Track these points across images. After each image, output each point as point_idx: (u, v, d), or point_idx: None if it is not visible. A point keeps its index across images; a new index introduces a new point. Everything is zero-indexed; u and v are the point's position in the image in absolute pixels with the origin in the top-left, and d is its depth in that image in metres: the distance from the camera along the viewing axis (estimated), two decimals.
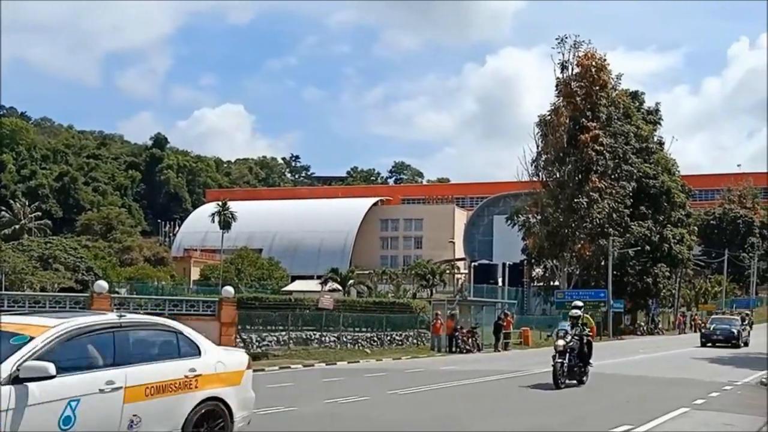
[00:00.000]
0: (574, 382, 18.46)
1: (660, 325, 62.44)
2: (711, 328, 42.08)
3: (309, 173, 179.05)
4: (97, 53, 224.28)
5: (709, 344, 39.52)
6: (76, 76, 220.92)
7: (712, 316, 49.66)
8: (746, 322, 45.73)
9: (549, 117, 54.95)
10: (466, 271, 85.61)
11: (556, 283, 57.85)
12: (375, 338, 34.90)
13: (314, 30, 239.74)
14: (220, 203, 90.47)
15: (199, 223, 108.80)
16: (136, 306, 28.37)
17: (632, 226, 55.47)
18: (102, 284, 28.46)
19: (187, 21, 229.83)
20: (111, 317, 8.51)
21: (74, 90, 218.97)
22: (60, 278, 52.09)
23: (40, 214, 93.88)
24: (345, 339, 33.75)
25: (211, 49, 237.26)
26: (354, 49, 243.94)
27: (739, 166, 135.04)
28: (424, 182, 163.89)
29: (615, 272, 53.96)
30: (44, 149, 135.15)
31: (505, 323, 37.97)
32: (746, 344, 39.84)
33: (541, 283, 61.88)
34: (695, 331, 62.55)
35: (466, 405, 15.27)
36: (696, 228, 69.40)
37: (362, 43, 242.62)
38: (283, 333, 32.08)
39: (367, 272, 75.05)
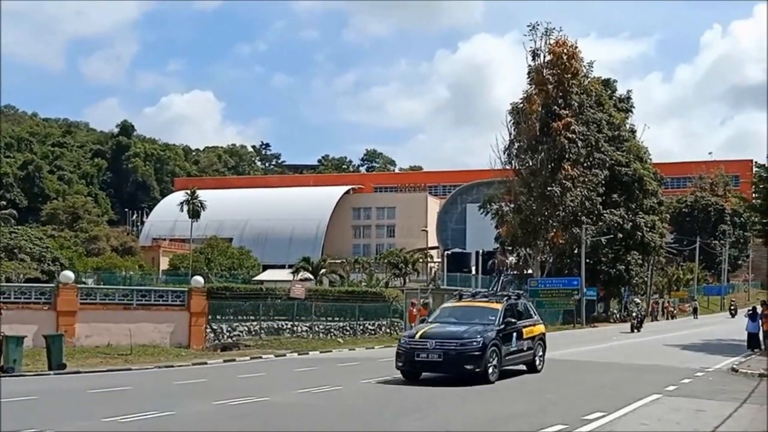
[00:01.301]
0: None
1: (633, 313, 62.94)
2: None
3: (280, 161, 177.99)
4: (62, 39, 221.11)
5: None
6: (40, 63, 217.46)
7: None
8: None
9: (521, 105, 54.91)
10: (440, 260, 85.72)
11: (530, 271, 58.02)
12: (348, 327, 34.74)
13: (282, 15, 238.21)
14: (188, 192, 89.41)
15: (167, 212, 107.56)
16: (102, 296, 27.91)
17: (605, 214, 55.77)
18: (68, 275, 28.02)
19: (154, 6, 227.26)
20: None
21: (38, 76, 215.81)
22: (26, 269, 51.23)
23: (4, 203, 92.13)
24: (317, 328, 33.55)
25: (178, 35, 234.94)
26: (323, 35, 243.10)
27: (710, 153, 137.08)
28: (397, 170, 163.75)
29: (588, 260, 54.26)
30: (8, 137, 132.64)
31: None
32: None
33: (515, 272, 62.03)
34: (668, 319, 63.42)
35: (439, 392, 15.12)
36: (668, 216, 70.09)
37: (331, 28, 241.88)
38: (255, 323, 31.81)
39: (339, 261, 74.72)
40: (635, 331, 42.97)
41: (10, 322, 22.66)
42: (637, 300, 59.42)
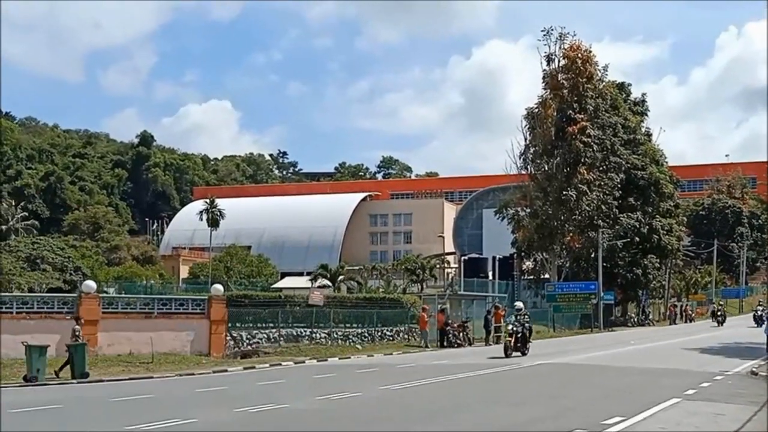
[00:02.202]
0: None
1: (651, 316, 62.61)
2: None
3: (296, 169, 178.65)
4: (80, 51, 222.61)
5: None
6: (59, 75, 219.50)
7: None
8: None
9: (536, 109, 54.93)
10: (456, 266, 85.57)
11: (547, 275, 57.88)
12: (366, 334, 34.81)
13: (295, 24, 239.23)
14: (207, 201, 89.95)
15: (187, 221, 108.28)
16: (124, 305, 28.22)
17: (621, 218, 55.57)
18: (90, 284, 28.31)
19: (170, 17, 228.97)
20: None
21: (58, 89, 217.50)
22: (48, 279, 51.65)
23: (26, 214, 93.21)
24: (336, 335, 33.66)
25: (194, 45, 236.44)
26: (336, 43, 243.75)
27: (727, 156, 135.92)
28: (413, 176, 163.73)
29: (605, 264, 54.06)
30: (29, 149, 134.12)
31: (495, 317, 37.95)
32: None
33: (532, 276, 61.90)
34: (686, 322, 62.82)
35: (457, 399, 15.22)
36: (685, 219, 69.64)
37: (344, 36, 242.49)
38: (274, 330, 31.96)
39: (356, 268, 74.78)
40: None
41: (33, 332, 23.00)
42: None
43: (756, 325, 48.18)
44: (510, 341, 27.08)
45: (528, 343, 28.11)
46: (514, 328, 27.36)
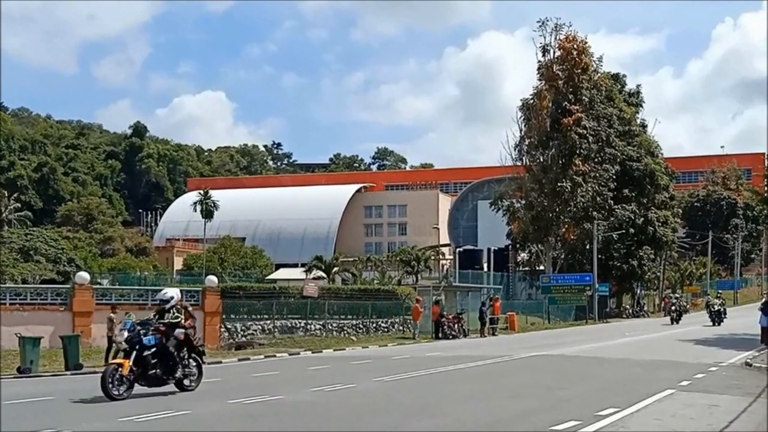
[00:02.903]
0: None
1: (645, 308, 62.76)
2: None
3: (291, 161, 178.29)
4: (74, 42, 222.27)
5: None
6: (52, 66, 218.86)
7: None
8: None
9: (531, 101, 54.93)
10: (451, 257, 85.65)
11: (542, 267, 57.95)
12: (361, 325, 34.82)
13: (290, 15, 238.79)
14: (201, 192, 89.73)
15: (180, 213, 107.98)
16: (118, 297, 28.14)
17: (616, 209, 55.64)
18: (83, 275, 28.24)
19: (164, 9, 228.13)
20: None
21: (51, 80, 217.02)
22: (41, 270, 51.56)
23: (19, 205, 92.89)
24: (330, 327, 33.66)
25: (189, 37, 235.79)
26: (332, 35, 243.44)
27: (722, 147, 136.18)
28: (408, 168, 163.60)
29: (600, 256, 54.14)
30: (22, 140, 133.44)
31: (493, 308, 38.00)
32: None
33: (527, 268, 61.95)
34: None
35: (451, 390, 15.19)
36: (680, 210, 69.80)
37: (340, 28, 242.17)
38: (268, 322, 31.94)
39: (351, 259, 74.79)
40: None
41: (26, 324, 22.90)
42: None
43: (671, 323, 44.08)
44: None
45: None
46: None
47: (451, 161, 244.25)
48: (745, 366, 20.20)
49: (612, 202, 55.59)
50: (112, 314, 22.42)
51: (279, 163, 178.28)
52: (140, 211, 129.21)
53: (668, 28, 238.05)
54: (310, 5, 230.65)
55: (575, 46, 55.04)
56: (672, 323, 44.45)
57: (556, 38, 54.97)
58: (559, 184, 52.57)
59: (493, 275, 60.10)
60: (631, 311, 59.74)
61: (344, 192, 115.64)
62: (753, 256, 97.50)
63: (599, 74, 57.88)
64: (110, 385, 13.63)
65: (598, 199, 53.87)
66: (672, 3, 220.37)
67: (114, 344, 18.39)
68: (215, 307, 28.84)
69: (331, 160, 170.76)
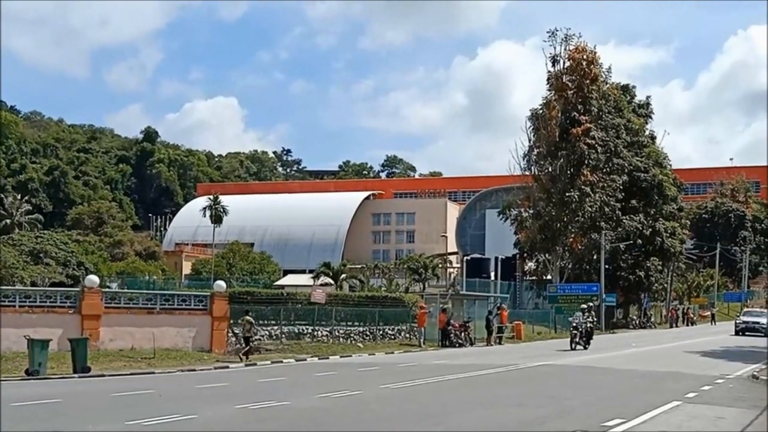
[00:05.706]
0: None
1: (652, 319, 62.56)
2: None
3: (300, 167, 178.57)
4: (86, 47, 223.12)
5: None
6: (65, 70, 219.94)
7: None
8: None
9: (541, 111, 54.93)
10: (459, 265, 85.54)
11: (549, 277, 57.83)
12: (367, 332, 34.84)
13: (300, 23, 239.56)
14: (211, 197, 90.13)
15: (190, 218, 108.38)
16: (126, 301, 28.28)
17: (624, 220, 55.50)
18: (93, 279, 28.33)
19: (177, 16, 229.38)
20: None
21: (64, 84, 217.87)
22: (51, 273, 51.68)
23: (30, 208, 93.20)
24: (337, 333, 33.69)
25: (200, 43, 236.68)
26: (341, 42, 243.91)
27: (731, 159, 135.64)
28: (416, 176, 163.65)
29: (607, 266, 54.01)
30: (34, 143, 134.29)
31: (500, 317, 37.96)
32: None
33: (534, 277, 61.85)
34: (688, 325, 62.77)
35: (457, 399, 15.23)
36: (688, 222, 69.49)
37: (349, 36, 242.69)
38: (276, 327, 31.99)
39: (359, 266, 74.83)
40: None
41: (35, 326, 23.06)
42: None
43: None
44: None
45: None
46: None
47: (458, 169, 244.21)
48: (751, 379, 20.17)
49: (620, 212, 55.46)
50: (248, 317, 27.26)
51: (288, 170, 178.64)
52: (150, 215, 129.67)
53: (678, 40, 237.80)
54: (320, 12, 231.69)
55: (585, 56, 55.04)
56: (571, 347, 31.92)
57: (565, 49, 54.98)
58: (567, 194, 52.53)
59: (500, 284, 59.99)
60: (637, 322, 59.52)
61: (353, 199, 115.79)
62: (761, 268, 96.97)
63: (608, 85, 57.87)
64: None
65: (605, 209, 53.76)
66: (681, 15, 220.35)
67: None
68: (223, 312, 28.91)
69: (340, 167, 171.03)
